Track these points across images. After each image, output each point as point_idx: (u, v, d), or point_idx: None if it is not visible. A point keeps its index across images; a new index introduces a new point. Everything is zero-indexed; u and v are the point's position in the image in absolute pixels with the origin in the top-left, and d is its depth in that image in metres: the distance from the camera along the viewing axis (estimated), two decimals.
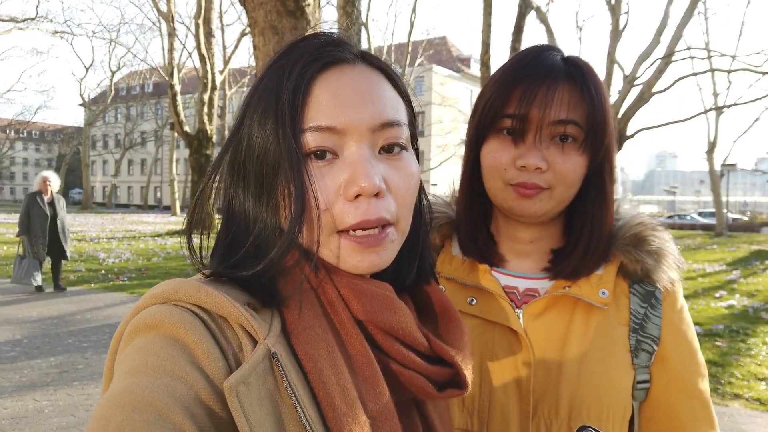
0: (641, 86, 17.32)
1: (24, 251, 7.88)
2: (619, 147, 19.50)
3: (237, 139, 0.60)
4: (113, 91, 43.18)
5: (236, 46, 24.28)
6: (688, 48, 17.04)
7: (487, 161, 0.89)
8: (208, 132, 17.51)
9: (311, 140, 0.56)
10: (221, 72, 21.28)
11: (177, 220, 22.95)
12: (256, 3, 5.97)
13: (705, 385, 0.91)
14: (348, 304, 0.58)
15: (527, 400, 0.85)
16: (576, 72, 0.86)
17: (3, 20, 33.28)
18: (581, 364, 0.86)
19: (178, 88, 18.53)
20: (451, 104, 38.45)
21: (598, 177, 0.90)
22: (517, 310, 0.91)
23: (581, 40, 27.57)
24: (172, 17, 19.50)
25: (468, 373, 0.63)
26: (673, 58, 16.40)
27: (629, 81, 18.25)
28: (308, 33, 0.63)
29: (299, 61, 0.57)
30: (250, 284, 0.56)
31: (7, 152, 71.06)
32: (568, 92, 0.85)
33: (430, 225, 0.76)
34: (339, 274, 0.58)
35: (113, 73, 42.41)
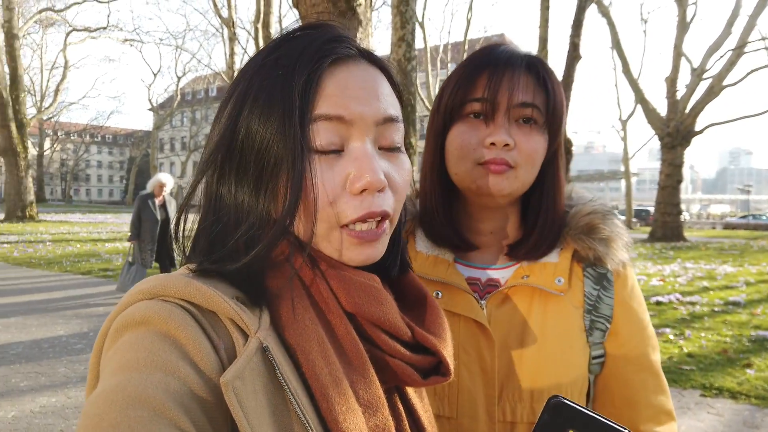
0: (710, 79, 16.52)
1: (133, 257, 7.33)
2: (687, 143, 18.75)
3: (231, 131, 0.59)
4: (179, 96, 44.98)
5: None
6: (763, 38, 16.08)
7: (455, 144, 0.94)
8: None
9: (320, 133, 0.57)
10: None
11: None
12: (309, 5, 6.05)
13: (656, 356, 0.98)
14: (337, 296, 0.58)
15: (492, 385, 0.91)
16: (536, 63, 0.93)
17: (78, 30, 35.29)
18: (540, 348, 0.92)
19: None
20: None
21: (554, 163, 0.97)
22: (481, 301, 0.96)
23: (646, 33, 26.53)
24: (233, 23, 20.08)
25: (450, 360, 0.64)
26: (746, 49, 15.53)
27: (698, 74, 17.44)
28: (303, 25, 0.62)
29: (306, 55, 0.57)
30: (239, 278, 0.56)
31: (83, 155, 75.23)
32: (531, 79, 0.92)
33: (406, 218, 0.78)
34: (328, 267, 0.59)
35: (179, 78, 44.20)
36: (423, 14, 26.58)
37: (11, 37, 22.68)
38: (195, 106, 58.42)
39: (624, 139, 28.58)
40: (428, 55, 28.42)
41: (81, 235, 18.19)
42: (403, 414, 0.63)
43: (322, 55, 0.57)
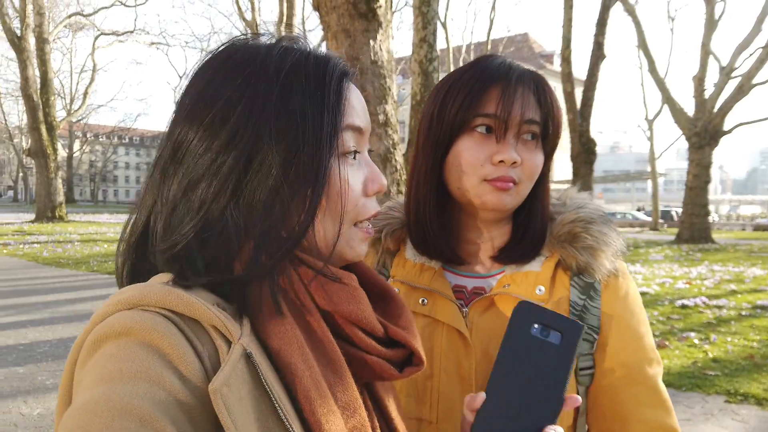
0: (739, 78, 16.16)
1: None
2: (716, 143, 18.35)
3: (242, 146, 0.58)
4: None
5: None
6: None
7: (462, 159, 0.94)
8: None
9: (349, 140, 0.63)
10: None
11: None
12: (329, 7, 6.09)
13: (653, 370, 0.95)
14: (314, 297, 0.60)
15: (470, 392, 0.91)
16: (538, 80, 0.95)
17: (106, 34, 36.00)
18: None
19: None
20: None
21: (545, 175, 0.99)
22: (465, 309, 0.98)
23: (673, 31, 26.07)
24: (257, 25, 20.27)
25: (421, 350, 0.68)
26: None
27: (726, 73, 17.07)
28: (282, 37, 0.66)
29: (325, 71, 0.62)
30: (221, 286, 0.56)
31: (111, 157, 76.64)
32: (534, 97, 0.94)
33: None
34: (306, 269, 0.60)
35: None
36: (446, 15, 26.53)
37: (42, 42, 23.20)
38: None
39: (650, 139, 28.12)
40: (451, 55, 28.33)
41: (108, 235, 18.52)
42: (373, 412, 0.65)
43: (344, 72, 0.64)
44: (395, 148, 5.96)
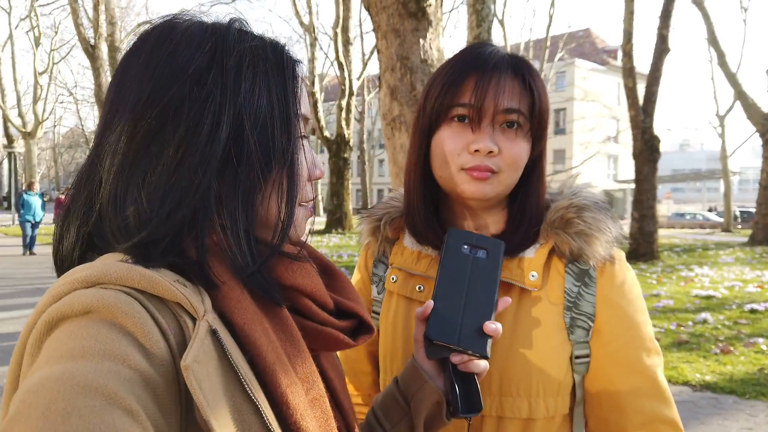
0: None
1: None
2: None
3: (216, 131, 0.59)
4: None
5: (373, 52, 25.06)
6: None
7: (440, 148, 0.95)
8: (346, 136, 18.26)
9: (302, 126, 0.67)
10: (358, 78, 22.06)
11: (319, 220, 24.27)
12: (379, 7, 6.11)
13: (652, 360, 0.93)
14: (275, 275, 0.62)
15: None
16: (522, 66, 0.94)
17: None
18: (510, 342, 0.93)
19: (319, 95, 19.53)
20: (594, 99, 36.42)
21: (538, 163, 0.98)
22: None
23: (746, 22, 24.67)
24: (314, 28, 20.63)
25: (368, 316, 0.72)
26: None
27: None
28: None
29: (284, 58, 0.65)
30: (182, 264, 0.56)
31: None
32: (516, 84, 0.93)
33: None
34: (264, 246, 0.62)
35: None
36: (503, 12, 26.10)
37: (113, 50, 24.39)
38: None
39: (722, 135, 26.72)
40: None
41: None
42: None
43: (293, 61, 0.67)
44: None
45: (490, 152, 0.91)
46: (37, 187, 13.46)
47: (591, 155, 33.48)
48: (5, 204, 39.26)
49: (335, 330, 0.65)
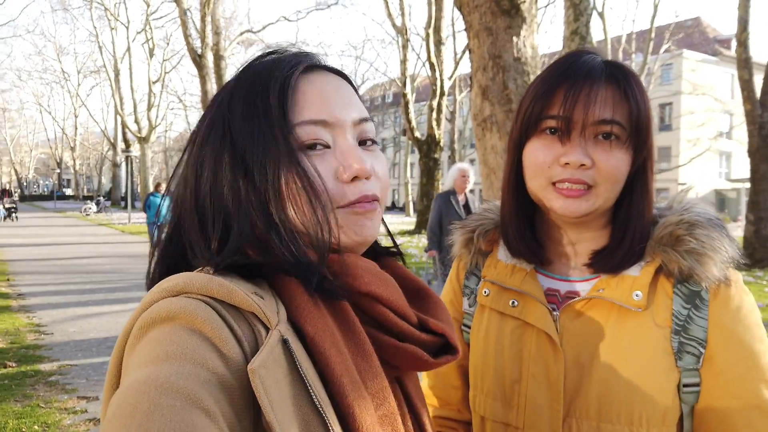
0: None
1: (435, 272, 6.10)
2: None
3: (224, 134, 0.65)
4: None
5: (464, 52, 24.80)
6: None
7: (529, 160, 0.93)
8: (436, 137, 18.22)
9: (306, 133, 0.64)
10: (450, 77, 21.94)
11: (410, 221, 24.39)
12: (471, 6, 6.03)
13: None
14: (344, 282, 0.61)
15: (558, 399, 0.89)
16: (617, 73, 0.89)
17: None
18: (612, 365, 0.88)
19: (410, 96, 19.62)
20: (704, 92, 33.96)
21: (642, 175, 0.92)
22: (556, 312, 0.94)
23: None
24: (406, 30, 20.75)
25: (456, 340, 0.67)
26: None
27: None
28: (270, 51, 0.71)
29: (279, 66, 0.65)
30: (255, 274, 0.60)
31: None
32: (611, 92, 0.88)
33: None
34: (329, 254, 0.62)
35: (358, 86, 46.65)
36: (603, 4, 24.99)
37: (218, 58, 25.81)
38: (372, 112, 61.39)
39: None
40: (609, 46, 26.61)
41: None
42: (404, 404, 0.65)
43: (295, 64, 0.66)
44: None
45: (582, 165, 0.87)
46: (163, 188, 13.82)
47: (700, 153, 31.23)
48: (122, 203, 42.69)
49: (414, 346, 0.63)
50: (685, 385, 0.87)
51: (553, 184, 0.90)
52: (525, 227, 0.98)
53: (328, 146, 0.65)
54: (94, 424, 3.81)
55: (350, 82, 0.71)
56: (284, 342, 0.54)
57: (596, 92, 0.87)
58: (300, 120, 0.63)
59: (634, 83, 0.89)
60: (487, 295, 1.02)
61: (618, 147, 0.88)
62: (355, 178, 0.64)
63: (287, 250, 0.60)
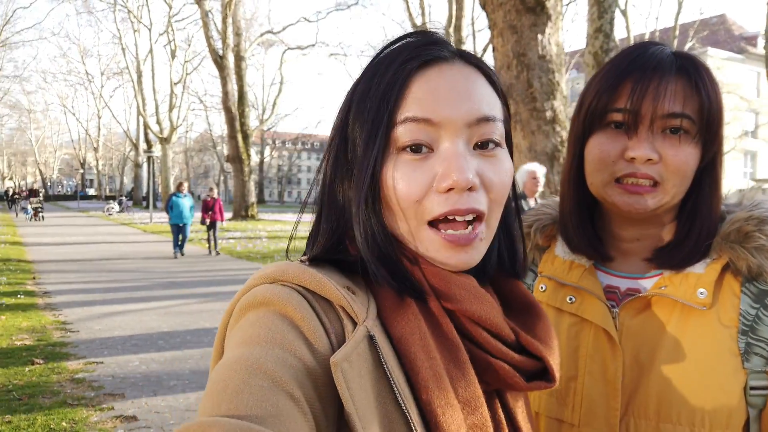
0: None
1: None
2: None
3: (343, 134, 0.63)
4: None
5: (485, 50, 24.69)
6: None
7: (593, 154, 0.90)
8: None
9: (407, 133, 0.58)
10: None
11: None
12: (496, 4, 6.00)
13: None
14: (437, 292, 0.59)
15: (615, 397, 0.87)
16: (688, 65, 0.86)
17: (291, 48, 39.52)
18: (673, 365, 0.85)
19: None
20: (730, 90, 33.39)
21: (711, 170, 0.89)
22: (615, 309, 0.91)
23: None
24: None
25: (556, 366, 0.63)
26: None
27: None
28: (404, 34, 0.65)
29: (398, 59, 0.60)
30: (349, 269, 0.60)
31: (295, 161, 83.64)
32: (681, 85, 0.85)
33: (518, 218, 0.72)
34: (426, 263, 0.61)
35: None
36: (626, 1, 24.70)
37: (239, 59, 26.08)
38: None
39: None
40: (632, 43, 26.28)
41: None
42: (503, 420, 0.62)
43: (410, 58, 0.59)
44: (563, 146, 5.68)
45: (649, 160, 0.84)
46: (186, 188, 13.32)
47: (725, 151, 30.67)
48: (144, 203, 43.26)
49: (507, 365, 0.59)
50: (753, 388, 0.83)
51: (618, 179, 0.87)
52: (586, 222, 0.96)
53: (432, 149, 0.59)
54: (120, 422, 3.84)
55: (487, 73, 0.63)
56: (370, 338, 0.54)
57: (665, 85, 0.84)
58: (402, 118, 0.58)
59: (706, 76, 0.86)
60: (544, 291, 1.00)
61: (687, 142, 0.85)
62: (450, 190, 0.57)
63: (370, 255, 0.59)
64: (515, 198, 0.70)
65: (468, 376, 0.56)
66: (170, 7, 35.10)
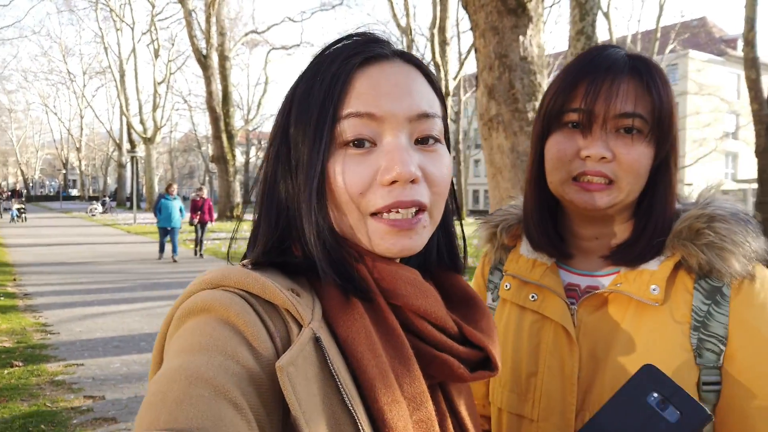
0: None
1: None
2: None
3: (284, 132, 0.64)
4: None
5: (469, 52, 24.78)
6: None
7: (551, 153, 0.92)
8: None
9: (350, 128, 0.59)
10: (455, 78, 21.91)
11: None
12: (477, 5, 6.02)
13: None
14: (381, 288, 0.60)
15: (572, 393, 0.89)
16: (640, 66, 0.88)
17: (276, 48, 39.38)
18: (627, 360, 0.86)
19: None
20: (711, 92, 33.84)
21: (665, 169, 0.91)
22: (573, 306, 0.94)
23: None
24: (411, 30, 20.77)
25: (497, 355, 0.65)
26: None
27: None
28: (351, 33, 0.66)
29: (340, 56, 0.61)
30: (293, 271, 0.60)
31: None
32: (633, 86, 0.87)
33: (457, 214, 0.74)
34: (371, 260, 0.61)
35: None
36: (608, 4, 24.93)
37: (223, 59, 25.89)
38: None
39: None
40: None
41: None
42: (447, 412, 0.63)
43: (352, 54, 0.61)
44: None
45: (603, 158, 0.87)
46: (175, 189, 12.77)
47: (706, 153, 31.12)
48: (128, 204, 42.82)
49: (451, 357, 0.61)
50: (705, 383, 0.85)
51: (574, 178, 0.90)
52: (547, 221, 0.98)
53: (375, 143, 0.60)
54: (100, 424, 3.81)
55: (426, 73, 0.65)
56: (316, 340, 0.53)
57: (618, 85, 0.87)
58: (345, 113, 0.59)
59: (658, 76, 0.88)
60: (509, 289, 1.03)
61: (640, 141, 0.88)
62: (394, 182, 0.58)
63: (320, 253, 0.59)
64: (453, 195, 0.71)
65: (413, 372, 0.57)
66: (153, 6, 34.77)
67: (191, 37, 24.17)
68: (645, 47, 30.81)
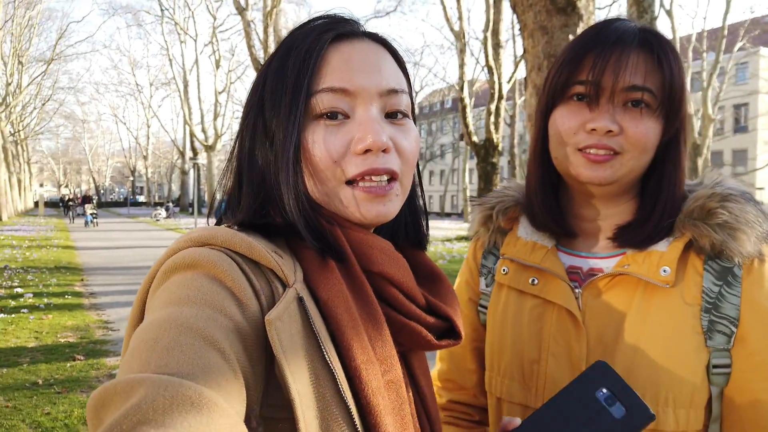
0: None
1: None
2: None
3: (259, 105, 0.66)
4: (417, 109, 47.67)
5: (523, 54, 24.37)
6: None
7: (555, 127, 0.90)
8: (494, 141, 17.97)
9: (325, 101, 0.63)
10: (509, 81, 21.62)
11: (467, 226, 24.11)
12: (526, 5, 5.93)
13: None
14: (357, 254, 0.63)
15: None
16: (652, 39, 0.86)
17: None
18: (637, 344, 0.84)
19: (468, 100, 19.47)
20: None
21: (674, 147, 0.88)
22: (577, 290, 0.90)
23: None
24: (464, 34, 20.65)
25: (461, 325, 0.68)
26: None
27: None
28: (319, 15, 0.69)
29: (313, 32, 0.64)
30: (278, 234, 0.63)
31: None
32: (643, 59, 0.85)
33: (421, 191, 0.77)
34: (348, 229, 0.64)
35: (416, 93, 46.94)
36: (671, 2, 24.04)
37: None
38: (431, 117, 61.33)
39: None
40: (678, 46, 25.53)
41: None
42: (408, 383, 0.66)
43: (325, 30, 0.65)
44: None
45: (609, 131, 0.84)
46: None
47: None
48: (190, 209, 44.37)
49: (419, 325, 0.64)
50: (715, 366, 0.83)
51: (579, 150, 0.87)
52: (550, 198, 0.96)
53: (348, 116, 0.63)
54: None
55: (393, 52, 0.69)
56: (299, 300, 0.56)
57: (627, 58, 0.84)
58: (320, 88, 0.62)
59: (669, 51, 0.85)
60: (506, 273, 1.00)
61: (648, 115, 0.85)
62: (367, 151, 0.62)
63: (299, 217, 0.61)
64: (418, 172, 0.73)
65: (384, 336, 0.59)
66: (215, 18, 36.06)
67: (250, 47, 24.89)
68: (712, 45, 29.49)
